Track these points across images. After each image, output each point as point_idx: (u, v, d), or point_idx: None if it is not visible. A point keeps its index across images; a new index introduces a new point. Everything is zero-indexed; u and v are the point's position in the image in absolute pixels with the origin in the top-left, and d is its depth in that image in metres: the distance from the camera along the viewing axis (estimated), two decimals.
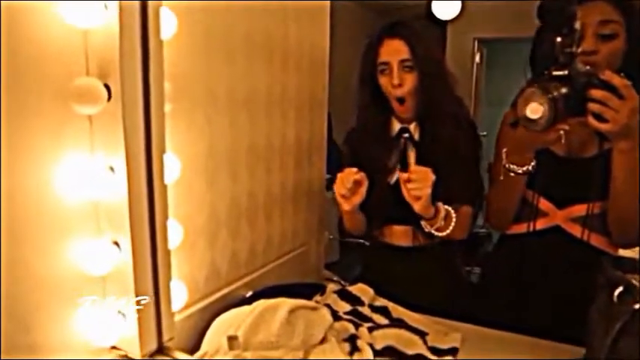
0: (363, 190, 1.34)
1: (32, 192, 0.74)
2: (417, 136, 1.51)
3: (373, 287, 1.37)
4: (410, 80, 1.42)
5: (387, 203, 1.49)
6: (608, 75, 1.01)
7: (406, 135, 1.50)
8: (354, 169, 1.32)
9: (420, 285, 1.46)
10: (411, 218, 1.37)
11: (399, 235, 1.56)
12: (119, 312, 0.86)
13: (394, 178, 1.51)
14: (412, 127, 1.51)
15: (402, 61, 1.41)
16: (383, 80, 1.46)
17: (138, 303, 0.84)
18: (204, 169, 1.10)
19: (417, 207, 1.30)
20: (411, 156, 1.48)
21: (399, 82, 1.41)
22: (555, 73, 1.04)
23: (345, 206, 1.36)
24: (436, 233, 1.39)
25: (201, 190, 1.11)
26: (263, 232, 1.36)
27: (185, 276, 1.06)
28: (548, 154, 1.28)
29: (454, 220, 1.38)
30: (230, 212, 1.21)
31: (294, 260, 1.53)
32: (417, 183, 1.27)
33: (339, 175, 1.34)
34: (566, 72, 1.03)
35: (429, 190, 1.27)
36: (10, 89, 0.70)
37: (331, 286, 1.38)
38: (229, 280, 1.23)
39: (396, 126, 1.53)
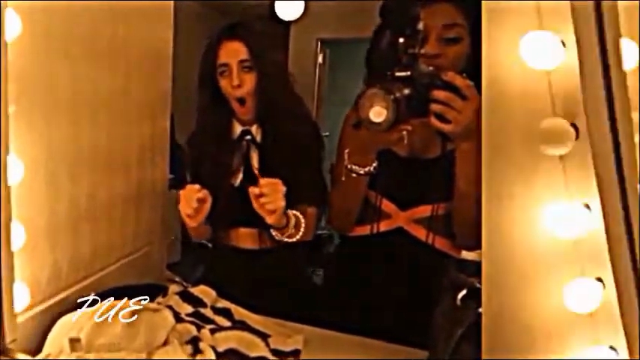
0: (208, 205, 1.31)
1: None
2: (259, 138, 1.50)
3: (215, 289, 1.33)
4: (249, 81, 1.41)
5: (232, 207, 1.45)
6: (450, 76, 1.01)
7: (248, 137, 1.49)
8: (197, 187, 1.29)
9: (263, 287, 1.44)
10: (256, 221, 1.34)
11: (245, 238, 1.53)
12: None
13: (238, 181, 1.49)
14: (254, 129, 1.50)
15: (241, 61, 1.40)
16: (223, 82, 1.44)
17: None
18: (44, 171, 1.10)
19: (271, 220, 1.27)
20: (254, 158, 1.47)
21: (239, 83, 1.40)
22: (398, 74, 1.02)
23: (192, 224, 1.33)
24: (287, 240, 1.38)
25: (42, 192, 1.11)
26: (104, 233, 1.35)
27: (27, 277, 1.06)
28: (391, 155, 1.27)
29: (304, 225, 1.38)
30: (70, 214, 1.20)
31: (137, 261, 1.52)
32: (269, 197, 1.23)
33: (181, 192, 1.31)
34: (408, 73, 1.01)
35: (282, 203, 1.24)
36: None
37: (173, 288, 1.35)
38: (71, 282, 1.22)
39: (238, 128, 1.51)
